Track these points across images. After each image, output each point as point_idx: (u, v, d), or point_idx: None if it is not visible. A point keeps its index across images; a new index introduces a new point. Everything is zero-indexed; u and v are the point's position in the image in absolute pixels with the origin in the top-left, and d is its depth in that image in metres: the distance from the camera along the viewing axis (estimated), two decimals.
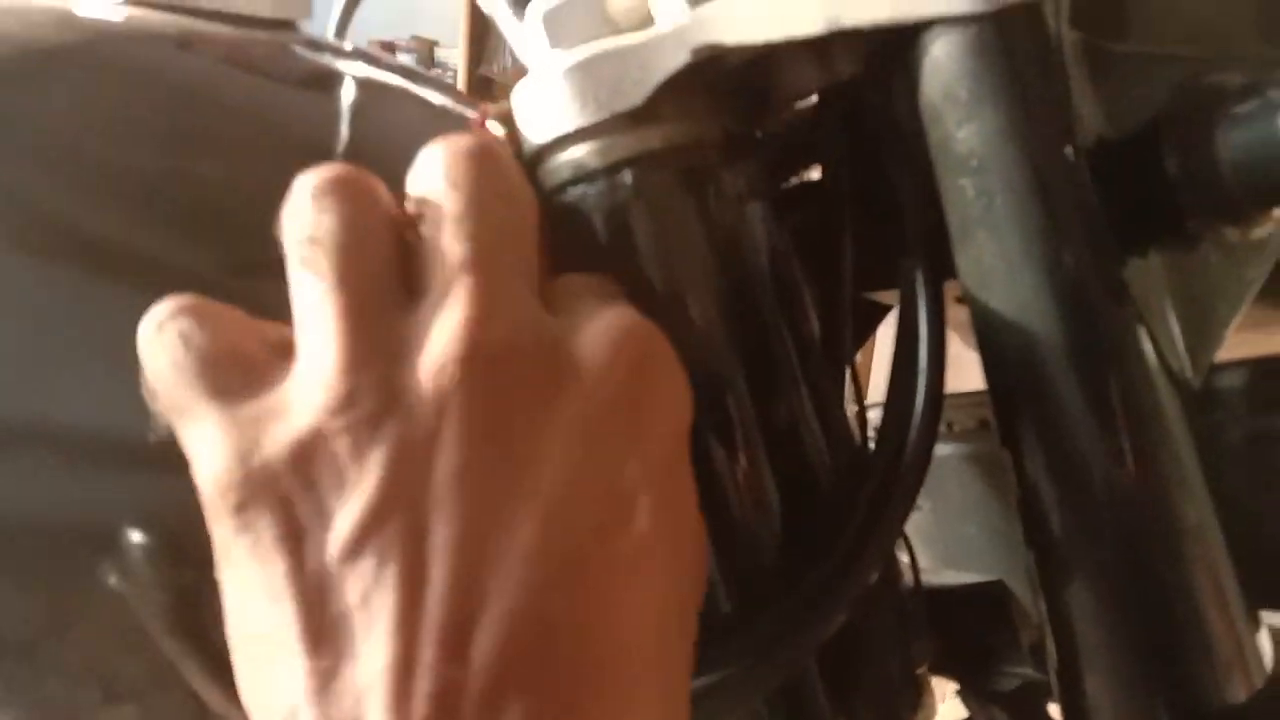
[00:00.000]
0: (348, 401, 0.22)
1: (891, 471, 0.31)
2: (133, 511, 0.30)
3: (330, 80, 0.37)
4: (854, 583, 0.31)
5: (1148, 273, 0.28)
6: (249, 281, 0.31)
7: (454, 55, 2.44)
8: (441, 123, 0.39)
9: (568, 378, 0.23)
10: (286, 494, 0.22)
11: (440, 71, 2.52)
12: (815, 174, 0.38)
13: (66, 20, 0.34)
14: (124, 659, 0.33)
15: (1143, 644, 0.27)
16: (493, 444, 0.21)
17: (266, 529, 0.22)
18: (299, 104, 0.36)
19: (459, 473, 0.21)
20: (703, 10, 0.29)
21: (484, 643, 0.20)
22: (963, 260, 0.28)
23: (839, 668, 0.33)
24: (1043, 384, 0.27)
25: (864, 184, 0.35)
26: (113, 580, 0.30)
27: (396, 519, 0.21)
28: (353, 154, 0.34)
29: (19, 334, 0.30)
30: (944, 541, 0.45)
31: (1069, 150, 0.26)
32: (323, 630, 0.21)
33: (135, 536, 0.30)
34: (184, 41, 0.35)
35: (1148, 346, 0.27)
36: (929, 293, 0.31)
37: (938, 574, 0.43)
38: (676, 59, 0.29)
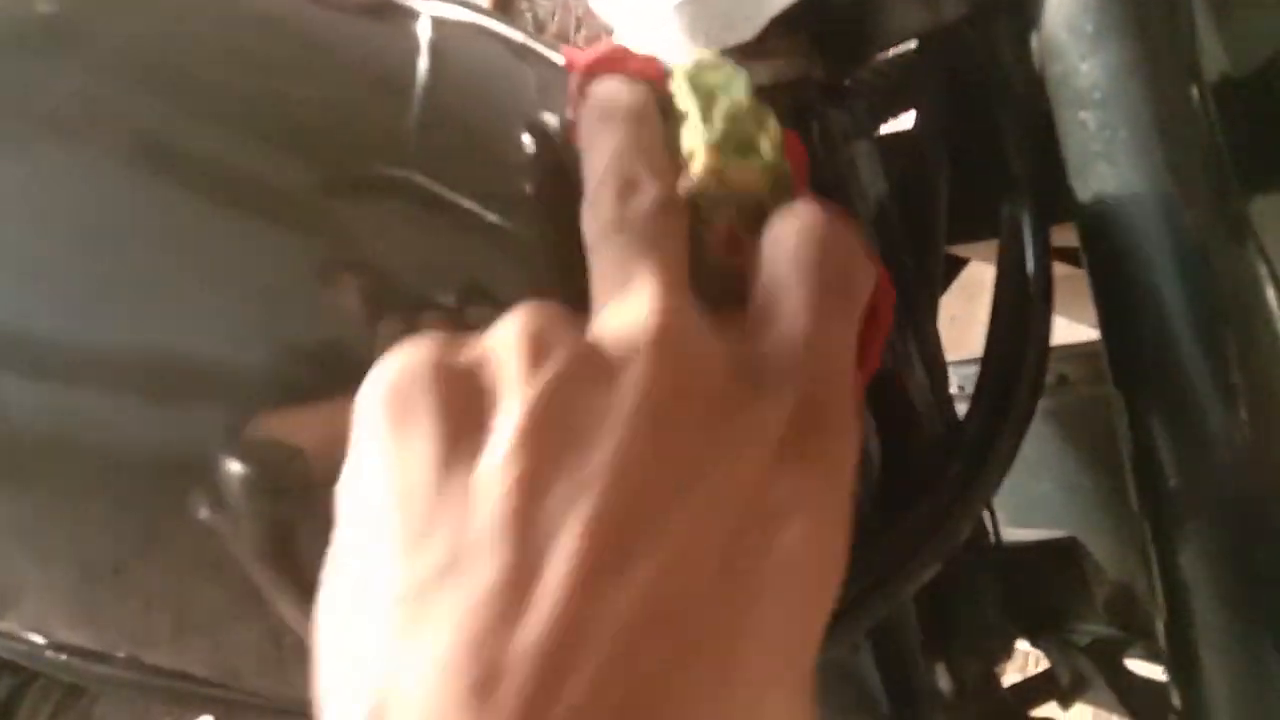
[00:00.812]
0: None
1: (998, 419, 0.31)
2: (232, 442, 0.30)
3: (405, 14, 0.38)
4: (953, 530, 0.31)
5: (1270, 210, 0.28)
6: (338, 201, 0.31)
7: None
8: (522, 59, 0.39)
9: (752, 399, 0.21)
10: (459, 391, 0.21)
11: None
12: (905, 123, 0.38)
13: None
14: (201, 589, 0.33)
15: (1258, 603, 0.27)
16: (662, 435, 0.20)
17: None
18: (373, 35, 0.36)
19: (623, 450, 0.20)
20: None
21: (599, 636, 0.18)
22: (1080, 193, 0.28)
23: (937, 617, 0.34)
24: (1159, 322, 0.27)
25: (959, 132, 0.35)
26: (203, 510, 0.31)
27: (549, 450, 0.20)
28: (434, 85, 0.34)
29: (114, 252, 0.30)
30: (1015, 498, 0.45)
31: (1193, 85, 0.26)
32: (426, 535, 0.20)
33: (233, 467, 0.30)
34: None
35: (1268, 284, 0.27)
36: (1035, 234, 0.31)
37: (1008, 531, 0.43)
38: None
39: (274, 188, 0.30)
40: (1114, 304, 0.28)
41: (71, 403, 0.30)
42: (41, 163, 0.29)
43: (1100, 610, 0.41)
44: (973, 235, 0.39)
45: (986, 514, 0.40)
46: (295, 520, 0.31)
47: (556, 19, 2.26)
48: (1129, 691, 0.37)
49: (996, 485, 0.31)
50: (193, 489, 0.30)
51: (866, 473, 0.32)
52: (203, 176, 0.30)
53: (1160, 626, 0.29)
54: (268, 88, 0.31)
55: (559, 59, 0.40)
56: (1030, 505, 0.45)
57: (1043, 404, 0.45)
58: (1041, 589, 0.41)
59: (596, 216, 0.26)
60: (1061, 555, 0.41)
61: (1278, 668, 0.27)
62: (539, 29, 2.28)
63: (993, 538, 0.40)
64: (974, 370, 0.46)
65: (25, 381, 0.30)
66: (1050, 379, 0.43)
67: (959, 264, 0.43)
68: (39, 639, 0.35)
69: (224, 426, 0.31)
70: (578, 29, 2.19)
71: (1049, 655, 0.39)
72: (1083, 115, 0.27)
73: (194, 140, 0.30)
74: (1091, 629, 0.41)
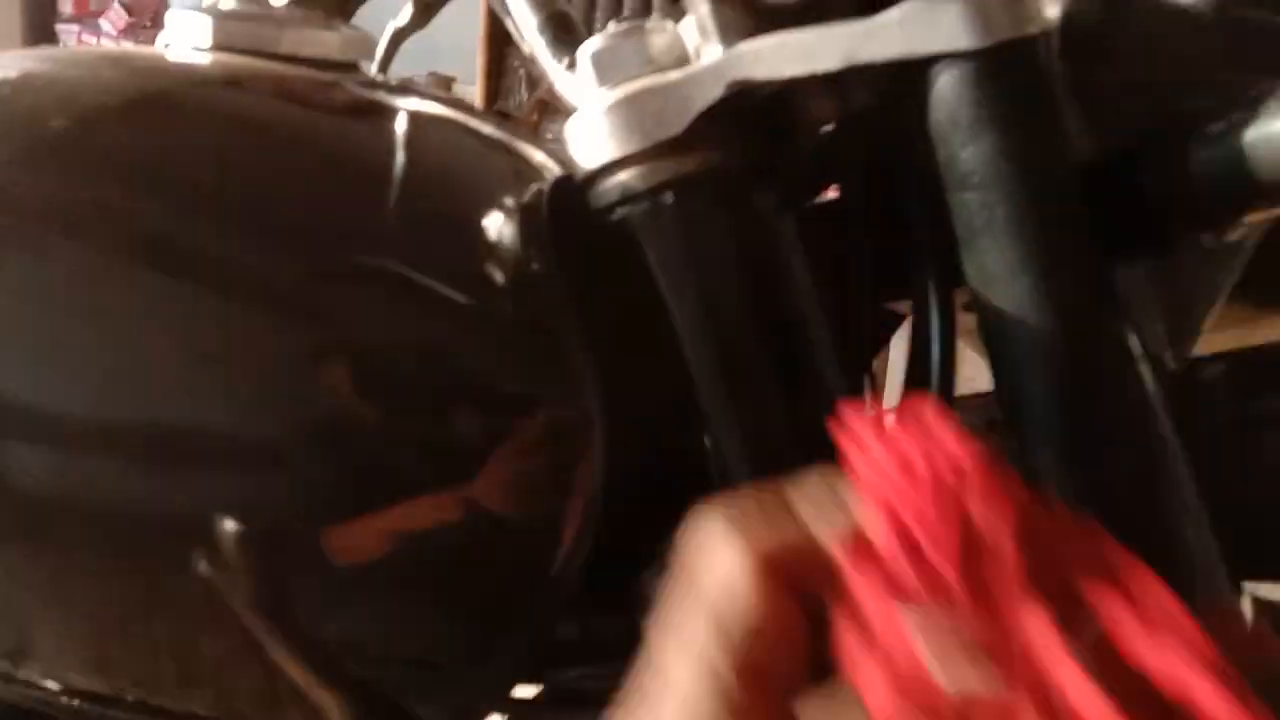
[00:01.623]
0: None
1: None
2: (229, 503, 0.34)
3: (383, 113, 0.41)
4: None
5: (1134, 276, 0.31)
6: (325, 288, 0.34)
7: (471, 91, 2.49)
8: (495, 151, 0.43)
9: None
10: None
11: None
12: (831, 194, 0.42)
13: (150, 69, 0.39)
14: (204, 640, 0.36)
15: None
16: None
17: None
18: (350, 133, 0.40)
19: None
20: (735, 50, 0.33)
21: None
22: (969, 266, 0.31)
23: None
24: (1041, 377, 0.30)
25: (877, 202, 0.39)
26: (203, 566, 0.34)
27: None
28: (409, 178, 0.38)
29: (122, 337, 0.33)
30: None
31: (1060, 166, 0.30)
32: None
33: (230, 527, 0.34)
34: (232, 80, 0.39)
35: (1133, 340, 0.30)
36: (939, 299, 0.34)
37: None
38: (713, 93, 0.33)
39: (262, 277, 0.34)
40: (1001, 363, 0.31)
41: (82, 469, 0.34)
42: (55, 257, 0.33)
43: None
44: (900, 294, 0.42)
45: None
46: (287, 574, 0.34)
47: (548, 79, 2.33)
48: None
49: None
50: (194, 547, 0.33)
51: None
52: (197, 268, 0.34)
53: None
54: (254, 186, 0.35)
55: (536, 153, 0.43)
56: None
57: None
58: None
59: None
60: None
61: None
62: (531, 87, 2.34)
63: None
64: None
65: (41, 450, 0.33)
66: (981, 424, 0.47)
67: (897, 319, 0.47)
68: (55, 685, 0.38)
69: (222, 491, 0.34)
70: None
71: None
72: (966, 196, 0.31)
73: (189, 236, 0.34)
74: None
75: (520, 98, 2.36)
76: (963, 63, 0.30)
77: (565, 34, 0.46)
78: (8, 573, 0.35)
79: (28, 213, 0.34)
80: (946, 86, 0.30)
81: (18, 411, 0.34)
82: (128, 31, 3.05)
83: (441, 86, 2.51)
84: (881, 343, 0.46)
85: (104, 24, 3.08)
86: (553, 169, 0.42)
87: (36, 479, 0.34)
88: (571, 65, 0.45)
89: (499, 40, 2.38)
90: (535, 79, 2.35)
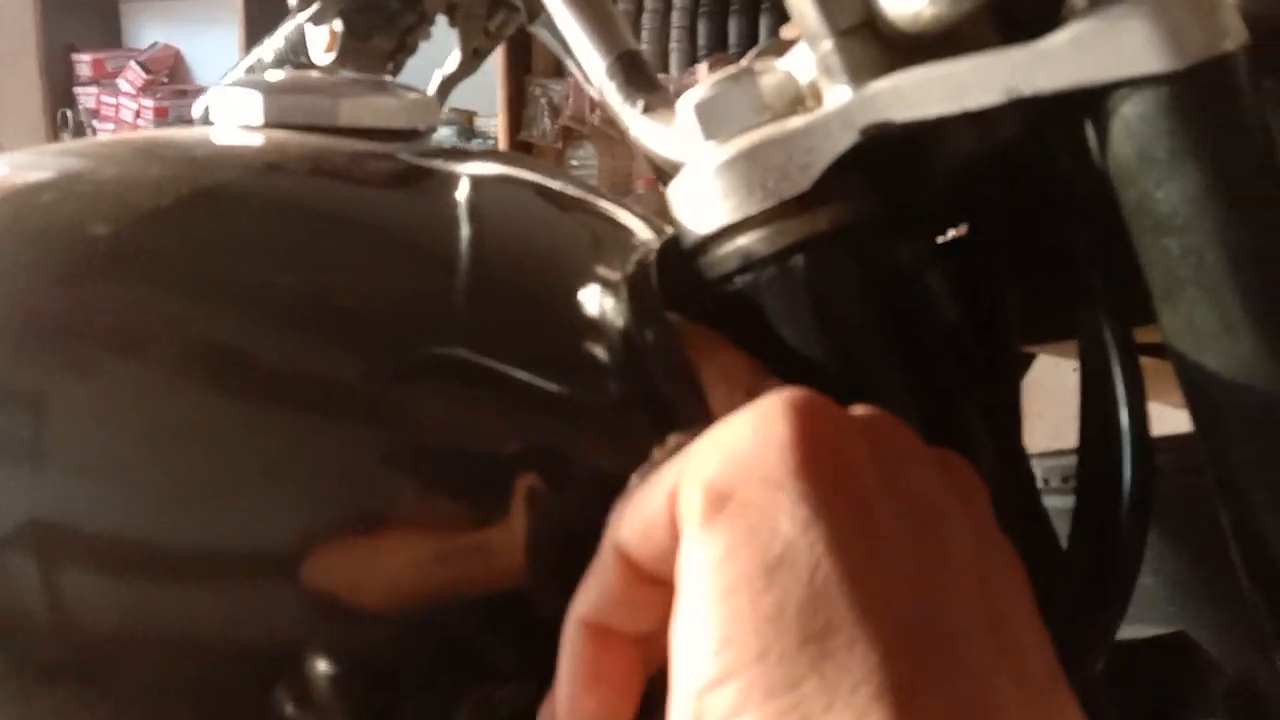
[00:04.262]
0: None
1: (1109, 535, 0.30)
2: (320, 635, 0.30)
3: (445, 183, 0.37)
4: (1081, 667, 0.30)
5: None
6: (395, 387, 0.31)
7: (493, 124, 2.48)
8: (569, 212, 0.39)
9: None
10: None
11: (481, 140, 2.55)
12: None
13: (197, 159, 0.35)
14: None
15: None
16: None
17: None
18: (409, 208, 0.36)
19: None
20: (868, 90, 0.28)
21: None
22: (1170, 319, 0.27)
23: None
24: (1271, 446, 0.26)
25: (1019, 238, 0.34)
26: (289, 708, 0.30)
27: None
28: (476, 255, 0.34)
29: (182, 455, 0.29)
30: None
31: (1277, 201, 0.26)
32: None
33: (321, 663, 0.30)
34: (289, 164, 0.35)
35: None
36: (1119, 344, 0.30)
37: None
38: (844, 140, 0.29)
39: (326, 381, 0.30)
40: (1216, 423, 0.27)
41: (151, 600, 0.30)
42: (108, 377, 0.30)
43: (1220, 705, 0.39)
44: (1043, 337, 0.38)
45: None
46: (391, 712, 0.31)
47: (571, 102, 2.29)
48: None
49: (1118, 618, 0.30)
50: (277, 683, 0.29)
51: None
52: (258, 377, 0.30)
53: None
54: (310, 282, 0.31)
55: (622, 214, 0.39)
56: (1135, 601, 0.44)
57: None
58: (1155, 687, 0.40)
59: None
60: (1172, 651, 0.40)
61: None
62: (555, 113, 2.31)
63: None
64: (1056, 463, 0.45)
65: (103, 579, 0.30)
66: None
67: (1027, 360, 0.42)
68: None
69: (313, 620, 0.30)
70: (592, 110, 2.22)
71: None
72: (1164, 241, 0.26)
73: (245, 343, 0.30)
74: None
75: (544, 127, 2.33)
76: (1153, 88, 0.25)
77: (637, 75, 0.43)
78: (57, 713, 0.31)
79: (75, 332, 0.30)
80: (1133, 116, 0.26)
81: (78, 540, 0.30)
82: (146, 89, 3.07)
83: (463, 120, 2.49)
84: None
85: (122, 83, 3.09)
86: (645, 233, 0.38)
87: (95, 612, 0.30)
88: (647, 109, 0.41)
89: (519, 70, 2.36)
90: (557, 107, 2.32)
